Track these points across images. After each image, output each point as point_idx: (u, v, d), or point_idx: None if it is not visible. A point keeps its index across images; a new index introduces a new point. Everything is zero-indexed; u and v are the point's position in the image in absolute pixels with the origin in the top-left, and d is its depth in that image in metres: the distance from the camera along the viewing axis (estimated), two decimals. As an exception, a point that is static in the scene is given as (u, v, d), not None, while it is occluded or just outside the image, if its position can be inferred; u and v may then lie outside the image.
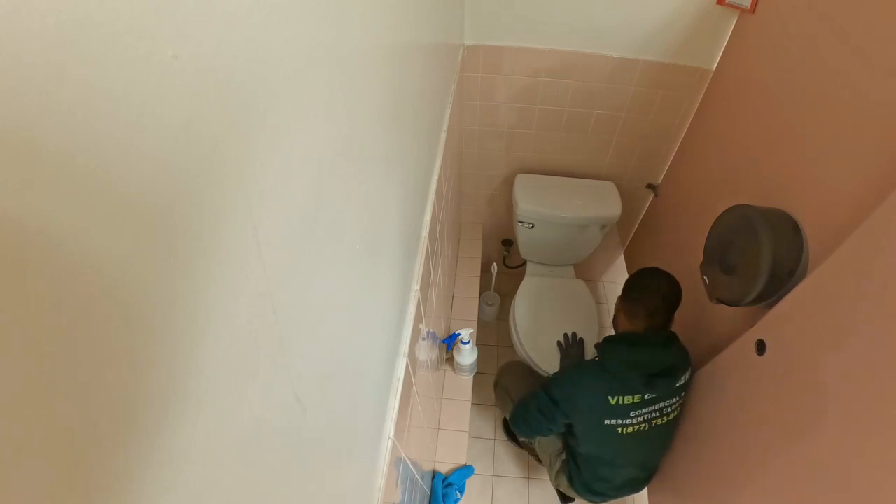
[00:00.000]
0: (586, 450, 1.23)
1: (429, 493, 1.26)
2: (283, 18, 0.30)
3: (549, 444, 1.39)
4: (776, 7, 1.10)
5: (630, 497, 1.41)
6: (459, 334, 1.41)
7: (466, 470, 1.38)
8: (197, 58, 0.22)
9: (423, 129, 0.88)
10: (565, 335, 1.62)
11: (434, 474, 1.34)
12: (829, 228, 0.82)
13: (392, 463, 0.70)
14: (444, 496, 1.28)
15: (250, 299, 0.29)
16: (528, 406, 1.24)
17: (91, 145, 0.17)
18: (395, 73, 0.61)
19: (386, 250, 0.64)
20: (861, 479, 0.67)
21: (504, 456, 1.81)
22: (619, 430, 1.14)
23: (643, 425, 1.15)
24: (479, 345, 1.55)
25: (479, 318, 1.75)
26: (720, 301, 1.03)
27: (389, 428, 0.70)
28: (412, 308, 0.82)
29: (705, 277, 1.09)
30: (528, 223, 1.72)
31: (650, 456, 1.26)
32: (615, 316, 1.29)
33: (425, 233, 0.91)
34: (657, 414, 1.15)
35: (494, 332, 2.18)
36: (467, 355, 1.46)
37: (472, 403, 1.53)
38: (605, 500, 1.32)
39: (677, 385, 1.14)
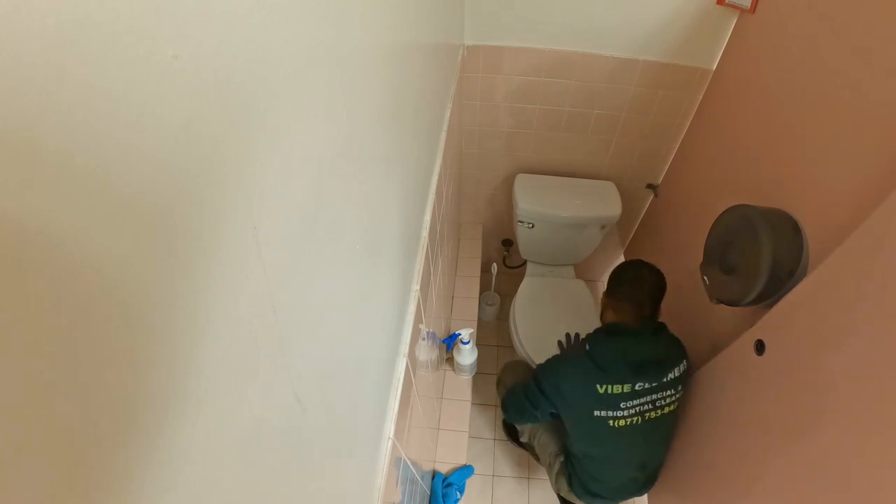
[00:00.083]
0: (579, 448, 1.22)
1: (429, 493, 1.26)
2: (283, 18, 0.30)
3: (548, 445, 1.38)
4: (776, 7, 1.10)
5: (630, 500, 1.35)
6: (459, 334, 1.41)
7: (466, 470, 1.38)
8: (197, 58, 0.22)
9: (423, 129, 0.88)
10: (567, 335, 1.62)
11: (434, 474, 1.34)
12: (829, 228, 0.82)
13: (392, 463, 0.70)
14: (444, 496, 1.28)
15: (250, 299, 0.29)
16: (517, 393, 1.26)
17: (91, 145, 0.17)
18: (395, 73, 0.61)
19: (386, 250, 0.64)
20: (861, 479, 0.67)
21: (504, 456, 1.81)
22: (611, 422, 1.12)
23: (636, 418, 1.13)
24: (479, 345, 1.55)
25: (479, 318, 1.75)
26: (720, 301, 1.03)
27: (389, 428, 0.70)
28: (412, 308, 0.82)
29: (705, 277, 1.09)
30: (528, 223, 1.72)
31: (647, 454, 1.22)
32: (602, 312, 1.30)
33: (425, 233, 0.91)
34: (650, 406, 1.13)
35: (494, 332, 2.18)
36: (467, 355, 1.46)
37: (472, 403, 1.53)
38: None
39: (671, 377, 1.13)
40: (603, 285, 2.35)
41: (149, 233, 0.21)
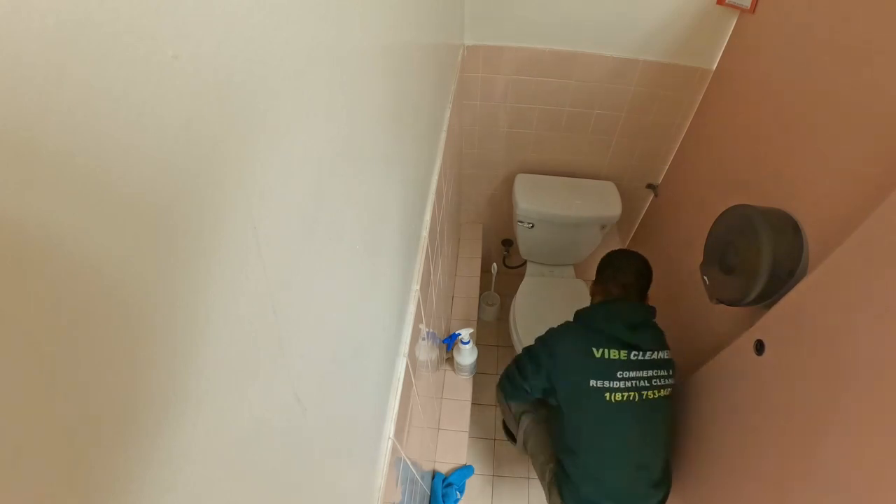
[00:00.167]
0: (571, 436, 1.11)
1: (429, 493, 1.26)
2: (283, 18, 0.30)
3: (538, 455, 1.30)
4: (776, 7, 1.10)
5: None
6: (459, 334, 1.41)
7: (466, 470, 1.38)
8: (197, 58, 0.22)
9: (423, 129, 0.88)
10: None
11: (434, 474, 1.34)
12: (829, 229, 0.82)
13: (392, 463, 0.70)
14: (444, 496, 1.28)
15: (250, 299, 0.29)
16: (510, 366, 1.24)
17: (91, 145, 0.17)
18: (395, 73, 0.61)
19: (386, 250, 0.64)
20: (861, 479, 0.67)
21: (504, 456, 1.81)
22: (607, 395, 1.05)
23: (632, 394, 1.06)
24: (479, 345, 1.55)
25: (479, 318, 1.75)
26: (720, 301, 1.03)
27: (389, 428, 0.70)
28: (412, 308, 0.82)
29: (705, 277, 1.09)
30: (528, 223, 1.72)
31: (645, 450, 1.09)
32: (591, 299, 1.32)
33: (425, 233, 0.91)
34: (647, 384, 1.08)
35: (494, 332, 2.18)
36: (467, 355, 1.46)
37: (472, 403, 1.53)
38: None
39: (663, 356, 1.12)
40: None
41: (149, 233, 0.21)
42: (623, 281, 1.21)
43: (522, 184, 1.72)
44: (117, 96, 0.18)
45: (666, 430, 1.14)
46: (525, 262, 1.97)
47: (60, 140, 0.16)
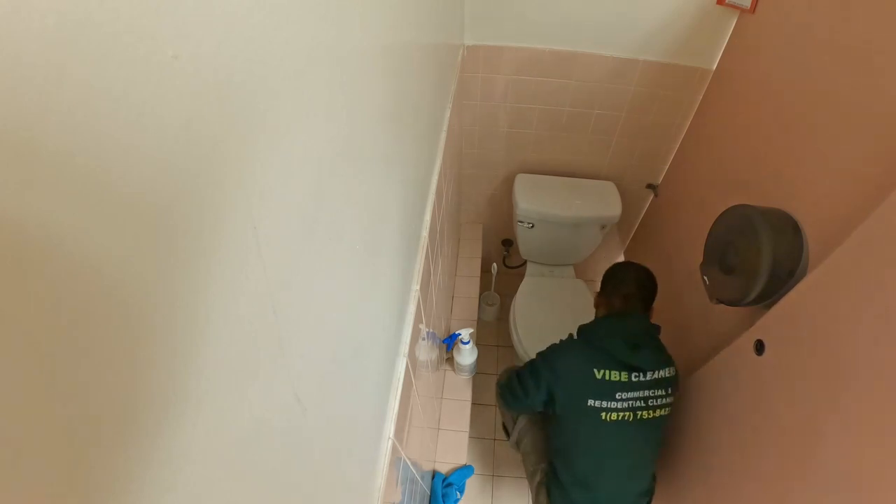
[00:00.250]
0: (564, 445, 1.14)
1: (429, 493, 1.26)
2: (283, 18, 0.30)
3: (530, 454, 1.31)
4: (776, 7, 1.10)
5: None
6: (459, 334, 1.41)
7: (466, 470, 1.38)
8: (197, 58, 0.22)
9: (423, 129, 0.88)
10: (570, 335, 1.62)
11: (434, 474, 1.34)
12: (829, 229, 0.82)
13: (392, 463, 0.70)
14: (444, 496, 1.28)
15: (250, 299, 0.29)
16: (511, 378, 1.23)
17: (91, 145, 0.17)
18: (395, 73, 0.61)
19: (386, 250, 0.64)
20: (861, 480, 0.67)
21: (504, 456, 1.81)
22: (604, 415, 1.07)
23: (628, 414, 1.09)
24: (479, 345, 1.55)
25: (479, 318, 1.75)
26: (720, 301, 1.03)
27: (389, 428, 0.70)
28: (412, 308, 0.82)
29: (705, 277, 1.09)
30: (528, 223, 1.72)
31: (635, 460, 1.13)
32: (595, 313, 1.31)
33: (425, 233, 0.91)
34: (643, 404, 1.10)
35: (494, 332, 2.18)
36: (467, 355, 1.46)
37: (472, 403, 1.53)
38: None
39: (664, 375, 1.11)
40: (603, 285, 2.36)
41: (149, 233, 0.21)
42: (625, 292, 1.20)
43: (522, 184, 1.72)
44: (117, 96, 0.18)
45: (656, 446, 1.17)
46: (525, 262, 1.97)
47: (60, 140, 0.16)
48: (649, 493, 1.19)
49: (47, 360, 0.17)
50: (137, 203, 0.20)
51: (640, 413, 1.10)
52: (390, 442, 0.69)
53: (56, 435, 0.17)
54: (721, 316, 1.15)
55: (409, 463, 0.88)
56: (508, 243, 2.12)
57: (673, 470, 1.25)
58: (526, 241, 1.82)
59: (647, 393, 1.10)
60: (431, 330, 1.09)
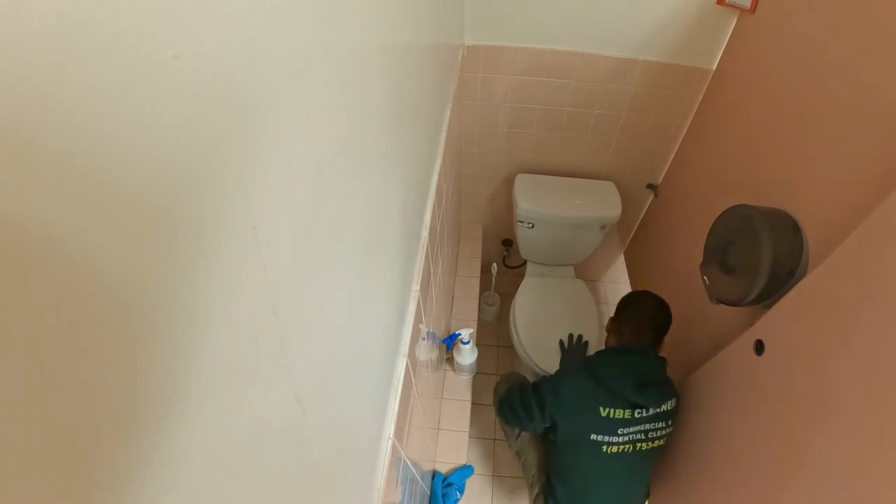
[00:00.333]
0: (563, 469, 1.18)
1: (429, 493, 1.26)
2: (283, 18, 0.30)
3: (531, 466, 1.34)
4: (776, 7, 1.10)
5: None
6: (459, 334, 1.41)
7: (466, 470, 1.38)
8: (197, 58, 0.22)
9: (424, 129, 0.88)
10: (570, 335, 1.62)
11: (434, 474, 1.34)
12: (829, 228, 0.82)
13: (392, 463, 0.70)
14: (444, 496, 1.28)
15: (250, 299, 0.29)
16: (514, 396, 1.23)
17: (91, 145, 0.17)
18: (395, 73, 0.61)
19: (386, 250, 0.64)
20: (861, 480, 0.67)
21: (504, 456, 1.81)
22: (605, 448, 1.10)
23: (628, 447, 1.12)
24: (479, 345, 1.55)
25: (479, 318, 1.75)
26: (720, 301, 1.03)
27: (389, 428, 0.70)
28: (412, 308, 0.82)
29: (705, 277, 1.09)
30: (528, 223, 1.72)
31: (631, 484, 1.19)
32: (607, 338, 1.31)
33: (425, 233, 0.91)
34: (643, 437, 1.12)
35: (494, 332, 2.18)
36: (467, 355, 1.46)
37: (472, 403, 1.53)
38: None
39: (665, 408, 1.13)
40: (603, 285, 2.36)
41: (149, 233, 0.21)
42: (637, 324, 1.19)
43: (522, 184, 1.72)
44: (117, 96, 0.18)
45: (650, 471, 1.21)
46: (525, 262, 1.97)
47: (60, 140, 0.16)
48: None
49: (47, 360, 0.17)
50: (137, 203, 0.20)
51: (639, 445, 1.13)
52: (390, 442, 0.69)
53: (56, 435, 0.17)
54: (721, 316, 1.15)
55: (409, 463, 0.88)
56: (508, 243, 2.12)
57: (671, 470, 1.25)
58: (526, 241, 1.82)
59: (647, 426, 1.12)
60: (431, 330, 1.09)
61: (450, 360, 1.54)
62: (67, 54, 0.16)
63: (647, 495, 1.27)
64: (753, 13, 1.17)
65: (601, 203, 1.69)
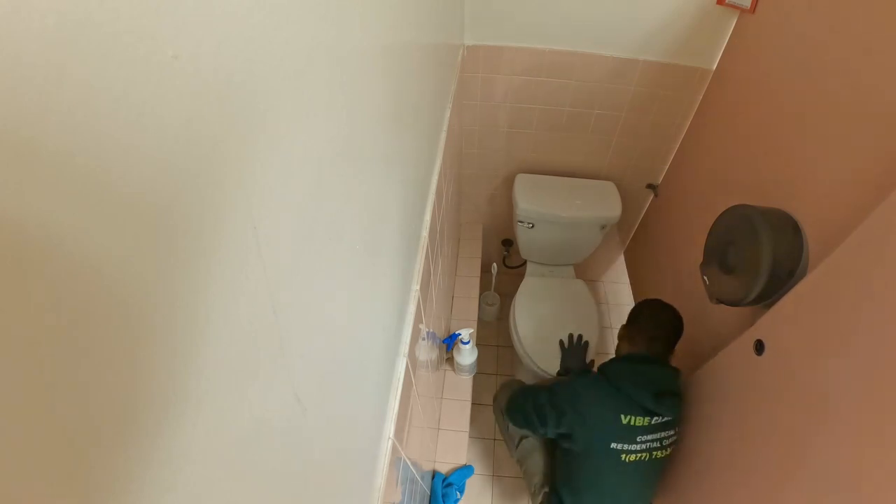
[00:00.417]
0: (574, 481, 1.17)
1: (429, 493, 1.26)
2: (283, 18, 0.30)
3: (534, 475, 1.33)
4: (776, 7, 1.10)
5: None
6: (459, 334, 1.41)
7: (466, 470, 1.38)
8: (197, 58, 0.22)
9: (424, 129, 0.88)
10: (570, 335, 1.62)
11: (434, 474, 1.34)
12: (829, 228, 0.82)
13: (392, 463, 0.70)
14: (444, 496, 1.28)
15: (250, 299, 0.29)
16: (525, 400, 1.21)
17: (91, 145, 0.17)
18: (395, 72, 0.61)
19: (386, 250, 0.64)
20: (862, 480, 0.67)
21: (504, 456, 1.81)
22: (623, 456, 1.10)
23: (644, 455, 1.11)
24: (479, 345, 1.55)
25: (479, 318, 1.75)
26: (720, 301, 1.03)
27: (389, 428, 0.70)
28: (412, 308, 0.82)
29: (705, 277, 1.09)
30: (528, 223, 1.72)
31: (642, 492, 1.19)
32: (618, 344, 1.30)
33: (425, 233, 0.91)
34: (658, 444, 1.12)
35: (494, 332, 2.18)
36: (467, 355, 1.46)
37: (472, 403, 1.53)
38: None
39: (676, 415, 1.13)
40: (603, 285, 2.36)
41: (149, 233, 0.21)
42: (651, 334, 1.19)
43: (522, 184, 1.72)
44: (117, 96, 0.18)
45: (658, 480, 1.21)
46: (525, 262, 1.97)
47: (60, 140, 0.16)
48: None
49: (47, 360, 0.17)
50: (137, 203, 0.20)
51: (655, 453, 1.13)
52: (390, 442, 0.69)
53: (56, 435, 0.17)
54: (721, 316, 1.15)
55: (409, 463, 0.88)
56: (508, 243, 2.12)
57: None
58: (526, 241, 1.82)
59: (662, 434, 1.13)
60: (431, 330, 1.09)
61: (450, 360, 1.54)
62: (67, 54, 0.16)
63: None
64: (753, 13, 1.17)
65: (601, 203, 1.69)
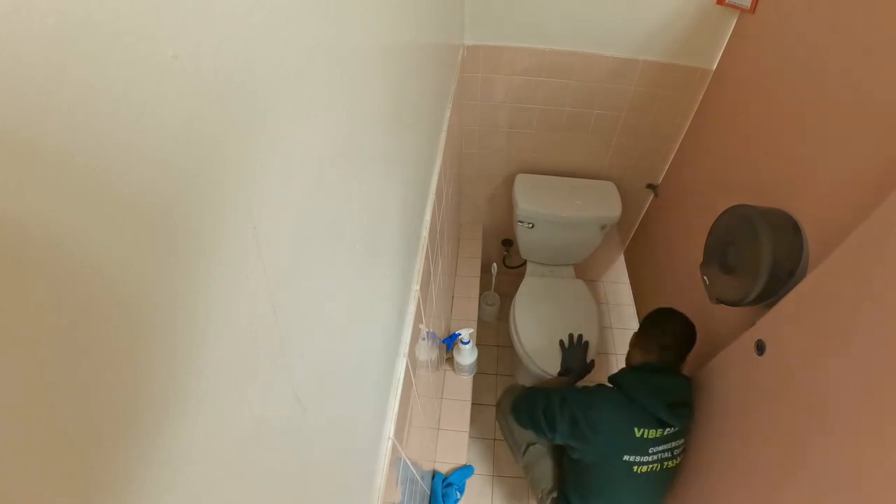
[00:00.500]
0: (587, 486, 1.16)
1: (429, 493, 1.26)
2: (283, 18, 0.30)
3: (541, 481, 1.32)
4: (776, 7, 1.10)
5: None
6: (459, 334, 1.41)
7: (466, 470, 1.38)
8: (197, 58, 0.22)
9: (424, 129, 0.88)
10: (570, 336, 1.62)
11: (434, 474, 1.34)
12: (829, 228, 0.82)
13: (392, 463, 0.70)
14: (444, 496, 1.28)
15: (250, 299, 0.29)
16: (535, 403, 1.19)
17: (91, 145, 0.17)
18: (395, 72, 0.61)
19: (386, 250, 0.64)
20: (862, 480, 0.67)
21: (504, 456, 1.81)
22: (635, 468, 1.09)
23: (656, 465, 1.11)
24: (479, 345, 1.55)
25: (479, 318, 1.75)
26: (720, 301, 1.03)
27: (389, 428, 0.70)
28: (412, 308, 0.82)
29: (705, 277, 1.09)
30: (528, 223, 1.72)
31: (651, 500, 1.19)
32: (629, 352, 1.29)
33: (425, 233, 0.91)
34: (669, 455, 1.12)
35: (494, 332, 2.18)
36: (467, 355, 1.46)
37: (472, 403, 1.52)
38: None
39: (687, 424, 1.13)
40: (603, 285, 2.36)
41: (149, 233, 0.21)
42: (664, 343, 1.18)
43: (522, 184, 1.72)
44: (117, 96, 0.18)
45: (667, 490, 1.20)
46: (525, 262, 1.97)
47: (60, 140, 0.16)
48: None
49: (47, 360, 0.17)
50: (137, 203, 0.20)
51: (666, 463, 1.12)
52: (390, 442, 0.69)
53: (56, 435, 0.17)
54: (721, 316, 1.15)
55: (409, 463, 0.88)
56: (508, 243, 2.12)
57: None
58: (526, 241, 1.82)
59: (673, 444, 1.12)
60: (431, 330, 1.09)
61: (450, 360, 1.54)
62: (67, 54, 0.16)
63: None
64: (753, 13, 1.17)
65: (601, 203, 1.69)
